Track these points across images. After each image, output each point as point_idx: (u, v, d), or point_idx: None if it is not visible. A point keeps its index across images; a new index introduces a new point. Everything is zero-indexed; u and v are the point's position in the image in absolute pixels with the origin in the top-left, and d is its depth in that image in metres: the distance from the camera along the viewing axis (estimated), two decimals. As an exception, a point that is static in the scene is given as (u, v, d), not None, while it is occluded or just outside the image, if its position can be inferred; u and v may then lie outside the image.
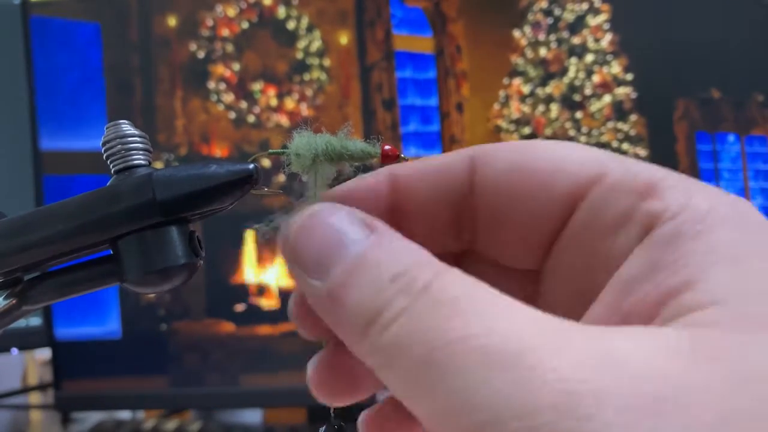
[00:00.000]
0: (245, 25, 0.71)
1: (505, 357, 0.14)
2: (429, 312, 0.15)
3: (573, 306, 0.18)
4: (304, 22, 0.70)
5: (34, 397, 0.96)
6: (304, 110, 0.69)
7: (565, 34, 0.66)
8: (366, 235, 0.17)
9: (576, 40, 0.66)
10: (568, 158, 0.19)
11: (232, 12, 0.71)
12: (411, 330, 0.15)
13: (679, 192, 0.17)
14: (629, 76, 0.65)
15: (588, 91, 0.66)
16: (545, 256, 0.20)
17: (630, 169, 0.18)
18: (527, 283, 0.21)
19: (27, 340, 0.78)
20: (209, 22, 0.71)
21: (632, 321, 0.16)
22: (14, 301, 0.23)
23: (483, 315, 0.15)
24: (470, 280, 0.16)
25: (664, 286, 0.15)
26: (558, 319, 0.15)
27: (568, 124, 0.66)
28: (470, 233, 0.21)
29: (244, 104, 0.70)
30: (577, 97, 0.66)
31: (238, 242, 0.70)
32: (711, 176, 0.64)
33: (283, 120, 0.70)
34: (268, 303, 0.70)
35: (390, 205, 0.20)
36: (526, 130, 0.67)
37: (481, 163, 0.20)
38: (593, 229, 0.18)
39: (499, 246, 0.20)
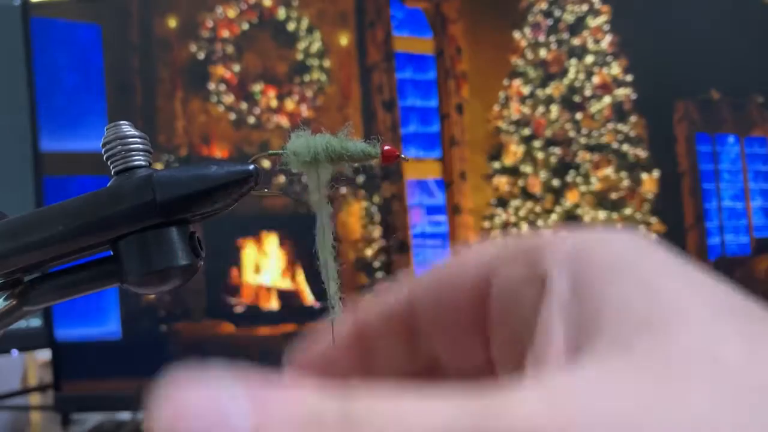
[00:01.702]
0: (245, 26, 0.71)
1: None
2: None
3: None
4: (305, 23, 0.70)
5: (34, 398, 0.96)
6: (305, 111, 0.69)
7: (565, 36, 0.66)
8: (244, 402, 0.13)
9: (576, 42, 0.66)
10: (465, 264, 0.20)
11: (232, 13, 0.71)
12: None
13: (558, 247, 0.17)
14: (629, 77, 0.65)
15: (588, 93, 0.66)
16: (489, 354, 0.21)
17: (515, 246, 0.19)
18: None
19: (27, 342, 0.78)
20: (209, 24, 0.71)
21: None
22: (15, 302, 0.23)
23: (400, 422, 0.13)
24: (391, 391, 0.14)
25: (567, 340, 0.16)
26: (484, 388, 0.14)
27: (567, 125, 0.66)
28: (435, 361, 0.21)
29: (244, 105, 0.70)
30: (577, 99, 0.66)
31: (238, 243, 0.70)
32: (711, 177, 0.64)
33: (284, 121, 0.70)
34: (268, 304, 0.70)
35: (408, 328, 0.21)
36: (526, 132, 0.67)
37: (413, 288, 0.21)
38: (507, 313, 0.19)
39: (455, 362, 0.21)
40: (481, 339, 0.20)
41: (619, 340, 0.14)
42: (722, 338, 0.14)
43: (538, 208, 0.66)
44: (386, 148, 0.21)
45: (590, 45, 0.66)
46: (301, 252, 0.70)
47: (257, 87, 0.70)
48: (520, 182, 0.66)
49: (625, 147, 0.65)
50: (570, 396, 0.13)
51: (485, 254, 0.20)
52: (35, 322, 0.77)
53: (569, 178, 0.66)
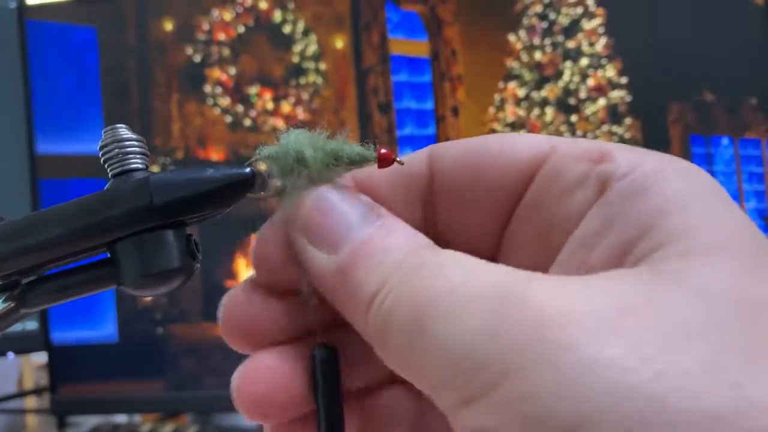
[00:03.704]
0: (241, 29, 0.71)
1: (484, 298, 0.15)
2: (416, 278, 0.16)
3: None
4: (300, 26, 0.70)
5: (30, 401, 0.96)
6: (301, 114, 0.70)
7: (560, 38, 0.67)
8: (375, 218, 0.19)
9: (571, 44, 0.66)
10: (521, 138, 0.20)
11: (228, 16, 0.71)
12: (401, 296, 0.16)
13: (630, 155, 0.18)
14: (624, 80, 0.65)
15: (583, 95, 0.66)
16: (501, 235, 0.21)
17: (580, 142, 0.19)
18: None
19: (23, 344, 0.78)
20: (205, 26, 0.71)
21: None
22: (12, 304, 0.23)
23: (465, 271, 0.16)
24: (461, 254, 0.17)
25: (620, 239, 0.16)
26: (536, 273, 0.16)
27: (563, 128, 0.66)
28: (435, 226, 0.22)
29: (240, 108, 0.70)
30: (572, 101, 0.66)
31: (235, 245, 0.70)
32: (705, 179, 0.64)
33: (280, 123, 0.70)
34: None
35: None
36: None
37: (438, 154, 0.21)
38: (549, 198, 0.19)
39: (462, 231, 0.21)
40: (503, 221, 0.21)
41: (659, 269, 0.15)
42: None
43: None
44: (382, 150, 0.21)
45: (585, 48, 0.66)
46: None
47: (253, 89, 0.70)
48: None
49: (620, 149, 0.66)
50: (599, 292, 0.15)
51: (542, 141, 0.20)
52: (31, 324, 0.77)
53: (564, 180, 0.66)
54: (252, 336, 0.21)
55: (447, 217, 0.21)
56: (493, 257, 0.21)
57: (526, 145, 0.20)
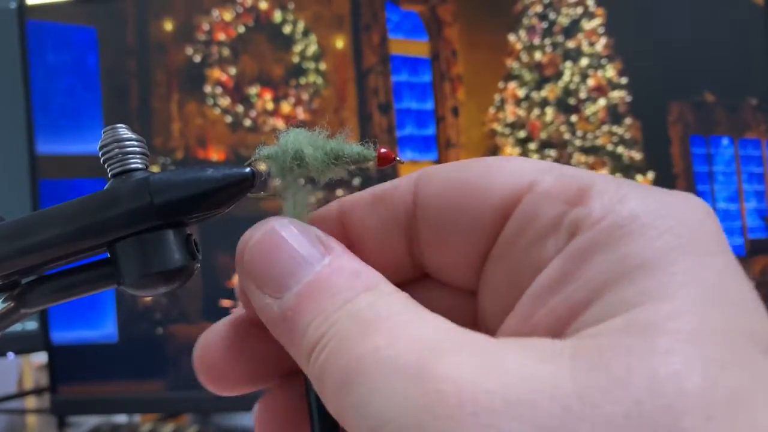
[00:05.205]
0: (241, 29, 0.71)
1: (398, 367, 0.15)
2: (350, 332, 0.16)
3: (502, 321, 0.18)
4: (300, 26, 0.70)
5: (30, 402, 0.96)
6: (301, 114, 0.70)
7: (560, 38, 0.67)
8: (321, 257, 0.18)
9: (571, 44, 0.66)
10: (501, 169, 0.18)
11: (228, 16, 0.71)
12: (334, 350, 0.16)
13: (607, 197, 0.16)
14: (624, 80, 0.65)
15: (583, 95, 0.66)
16: (480, 271, 0.19)
17: (564, 175, 0.17)
18: (473, 303, 0.20)
19: (23, 344, 0.78)
20: (205, 27, 0.71)
21: (539, 334, 0.15)
22: (12, 304, 0.23)
23: (392, 329, 0.16)
24: (402, 301, 0.16)
25: (570, 300, 0.15)
26: (461, 331, 0.15)
27: (563, 128, 0.66)
28: (419, 256, 0.21)
29: (240, 108, 0.70)
30: (572, 101, 0.66)
31: (234, 245, 0.70)
32: (705, 179, 0.64)
33: (280, 124, 0.70)
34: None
35: (341, 234, 0.21)
36: (522, 134, 0.67)
37: (423, 181, 0.20)
38: (522, 240, 0.17)
39: (443, 264, 0.20)
40: (481, 257, 0.19)
41: (599, 341, 0.14)
42: (712, 383, 0.13)
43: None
44: (382, 150, 0.21)
45: (585, 48, 0.66)
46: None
47: (253, 90, 0.70)
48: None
49: (620, 149, 0.66)
50: (506, 373, 0.14)
51: (524, 173, 0.18)
52: (31, 325, 0.77)
53: (564, 180, 0.66)
54: (231, 377, 0.21)
55: (429, 248, 0.20)
56: (473, 291, 0.20)
57: (505, 177, 0.18)
